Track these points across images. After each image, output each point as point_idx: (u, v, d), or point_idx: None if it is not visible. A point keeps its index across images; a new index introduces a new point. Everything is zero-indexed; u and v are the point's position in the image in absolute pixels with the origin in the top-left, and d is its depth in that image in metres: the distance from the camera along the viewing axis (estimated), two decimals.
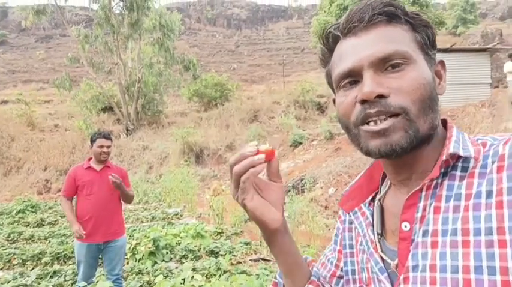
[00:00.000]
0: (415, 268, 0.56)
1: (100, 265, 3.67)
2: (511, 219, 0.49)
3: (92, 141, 3.38)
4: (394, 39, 0.58)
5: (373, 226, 0.69)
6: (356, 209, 0.73)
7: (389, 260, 0.63)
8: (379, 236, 0.67)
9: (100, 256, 3.45)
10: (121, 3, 19.19)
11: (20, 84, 34.70)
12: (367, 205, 0.72)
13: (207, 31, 61.09)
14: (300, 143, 14.61)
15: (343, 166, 9.54)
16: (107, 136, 3.41)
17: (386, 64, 0.58)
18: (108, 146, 3.37)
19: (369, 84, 0.56)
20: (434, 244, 0.55)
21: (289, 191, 8.51)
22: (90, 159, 3.44)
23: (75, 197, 3.40)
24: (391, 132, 0.56)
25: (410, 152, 0.58)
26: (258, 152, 0.62)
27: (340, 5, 18.04)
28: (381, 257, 0.65)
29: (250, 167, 0.62)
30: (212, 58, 47.78)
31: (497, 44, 16.15)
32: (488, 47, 14.91)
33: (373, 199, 0.72)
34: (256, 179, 0.67)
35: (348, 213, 0.75)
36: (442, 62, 0.65)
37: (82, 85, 21.02)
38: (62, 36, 49.97)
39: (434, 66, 0.63)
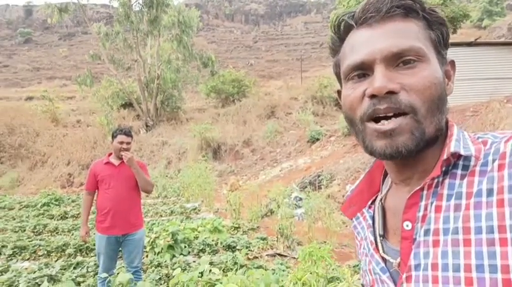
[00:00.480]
0: (417, 266, 0.57)
1: (120, 257, 3.77)
2: None
3: (113, 136, 3.45)
4: (409, 34, 0.57)
5: (373, 228, 0.69)
6: (358, 214, 0.74)
7: (391, 260, 0.64)
8: (381, 237, 0.67)
9: (120, 249, 3.55)
10: (140, 0, 19.46)
11: (44, 81, 35.77)
12: (367, 208, 0.73)
13: (224, 27, 61.21)
14: (318, 139, 14.52)
15: (361, 163, 9.43)
16: (128, 133, 3.47)
17: (398, 60, 0.56)
18: (128, 143, 3.43)
19: (381, 79, 0.55)
20: (435, 243, 0.55)
21: (306, 187, 8.49)
22: (110, 154, 3.52)
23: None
24: (397, 133, 0.56)
25: (423, 148, 0.58)
26: None
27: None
28: (382, 258, 0.66)
29: None
30: (230, 54, 47.87)
31: None
32: None
33: (373, 202, 0.72)
34: None
35: (351, 219, 0.76)
36: (452, 62, 0.64)
37: (103, 82, 21.49)
38: (84, 34, 51.11)
39: (445, 66, 0.63)
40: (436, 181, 0.58)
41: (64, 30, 55.70)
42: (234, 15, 64.78)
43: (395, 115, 0.56)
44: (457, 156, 0.57)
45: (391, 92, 0.55)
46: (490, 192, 0.52)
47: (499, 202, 0.50)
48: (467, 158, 0.56)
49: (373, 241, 0.68)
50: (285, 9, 66.97)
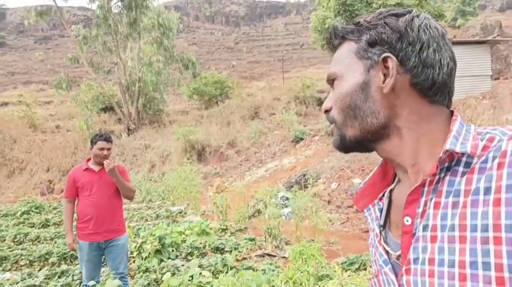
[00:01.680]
0: (415, 260, 0.59)
1: (104, 265, 3.69)
2: (508, 217, 0.49)
3: (93, 143, 3.34)
4: (336, 60, 0.70)
5: (380, 220, 0.72)
6: (370, 206, 0.75)
7: (391, 251, 0.66)
8: (382, 228, 0.70)
9: (103, 256, 3.47)
10: (119, 3, 19.17)
11: (20, 86, 34.71)
12: (378, 200, 0.74)
13: (205, 29, 60.94)
14: (302, 139, 14.64)
15: (345, 161, 9.56)
16: (108, 139, 3.37)
17: (332, 82, 0.70)
18: (109, 149, 3.34)
19: (325, 101, 0.71)
20: (433, 239, 0.57)
21: (292, 186, 8.54)
22: (88, 160, 3.43)
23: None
24: (333, 134, 0.71)
25: (359, 149, 0.69)
26: None
27: (338, 0, 17.95)
28: (385, 250, 0.68)
29: None
30: (211, 56, 47.71)
31: (497, 35, 16.10)
32: (488, 39, 14.87)
33: (384, 194, 0.74)
34: None
35: (362, 211, 0.77)
36: (385, 59, 0.62)
37: (82, 85, 21.04)
38: (61, 37, 49.93)
39: (376, 67, 0.63)
40: (437, 177, 0.58)
41: (40, 33, 54.22)
42: (214, 17, 64.57)
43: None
44: (456, 153, 0.57)
45: (328, 110, 0.71)
46: (487, 190, 0.52)
47: (496, 201, 0.51)
48: (470, 155, 0.56)
49: (379, 234, 0.70)
50: (265, 10, 67.25)
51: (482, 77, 13.48)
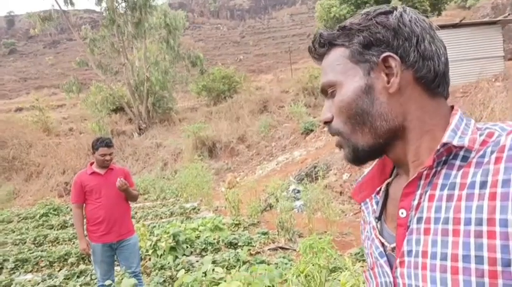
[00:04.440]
0: (409, 253, 0.59)
1: (117, 265, 3.77)
2: (503, 212, 0.49)
3: (94, 148, 3.39)
4: (327, 68, 0.68)
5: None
6: (367, 199, 0.76)
7: (386, 243, 0.67)
8: (377, 220, 0.71)
9: (115, 256, 3.56)
10: (123, 4, 19.28)
11: (33, 91, 35.31)
12: (375, 193, 0.75)
13: (210, 24, 60.83)
14: (312, 131, 14.56)
15: None
16: (109, 144, 3.41)
17: (328, 92, 0.68)
18: (111, 153, 3.41)
19: (322, 112, 0.69)
20: (426, 231, 0.57)
21: (303, 179, 8.54)
22: (92, 163, 3.49)
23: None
24: (342, 147, 0.68)
25: (374, 156, 0.67)
26: None
27: None
28: (381, 242, 0.68)
29: None
30: (218, 51, 47.66)
31: (509, 15, 15.63)
32: (499, 19, 14.45)
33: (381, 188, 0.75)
34: None
35: (360, 203, 0.78)
36: (385, 59, 0.62)
37: (92, 87, 21.31)
38: (69, 41, 50.52)
39: (377, 67, 0.63)
40: (434, 170, 0.59)
41: (48, 38, 54.96)
42: (219, 12, 64.35)
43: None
44: (454, 146, 0.57)
45: (327, 122, 0.68)
46: (483, 184, 0.52)
47: (491, 195, 0.51)
48: (468, 149, 0.56)
49: (375, 227, 0.71)
50: (270, 2, 66.68)
51: (494, 59, 13.12)
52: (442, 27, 13.03)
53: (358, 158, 0.66)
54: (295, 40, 47.22)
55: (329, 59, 0.68)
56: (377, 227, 0.71)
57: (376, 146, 0.64)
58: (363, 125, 0.64)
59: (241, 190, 8.27)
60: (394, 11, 0.63)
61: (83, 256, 5.33)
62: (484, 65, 12.56)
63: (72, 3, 19.18)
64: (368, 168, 0.78)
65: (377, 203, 0.73)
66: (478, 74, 11.96)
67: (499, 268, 0.49)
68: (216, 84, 21.64)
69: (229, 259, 4.49)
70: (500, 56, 13.41)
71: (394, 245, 0.64)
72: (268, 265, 3.91)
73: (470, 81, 11.49)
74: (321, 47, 0.69)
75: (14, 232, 7.76)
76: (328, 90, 0.68)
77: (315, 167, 9.48)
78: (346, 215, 7.14)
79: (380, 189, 0.74)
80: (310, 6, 55.00)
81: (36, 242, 6.59)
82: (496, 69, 12.61)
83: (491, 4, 23.22)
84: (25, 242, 6.58)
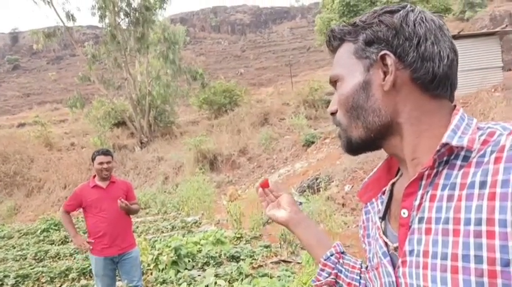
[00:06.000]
0: (411, 252, 0.60)
1: (119, 280, 3.74)
2: (502, 212, 0.49)
3: (92, 159, 3.42)
4: (336, 61, 0.71)
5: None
6: (373, 199, 0.77)
7: (389, 243, 0.68)
8: (381, 220, 0.71)
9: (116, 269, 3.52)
10: (127, 19, 19.58)
11: (35, 106, 35.64)
12: (381, 194, 0.76)
13: (211, 39, 61.58)
14: (313, 143, 14.57)
15: (357, 163, 9.47)
16: (106, 152, 3.43)
17: (336, 84, 0.71)
18: (109, 162, 3.39)
19: (331, 103, 0.73)
20: (428, 231, 0.58)
21: (305, 191, 8.50)
22: (94, 176, 3.50)
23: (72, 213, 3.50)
24: (340, 137, 0.73)
25: (366, 149, 0.70)
26: (261, 185, 1.02)
27: (342, 2, 17.95)
28: (385, 242, 0.69)
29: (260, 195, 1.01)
30: (219, 65, 48.12)
31: (507, 26, 15.80)
32: (497, 30, 14.60)
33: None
34: (274, 194, 1.00)
35: (366, 204, 0.79)
36: (382, 56, 0.63)
37: (94, 102, 21.47)
38: (72, 56, 51.14)
39: (376, 64, 0.64)
40: (435, 170, 0.59)
41: (52, 54, 55.68)
42: (220, 26, 65.22)
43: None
44: (455, 146, 0.57)
45: (334, 113, 0.72)
46: (482, 184, 0.52)
47: (491, 195, 0.51)
48: (468, 149, 0.56)
49: (380, 226, 0.71)
50: (270, 16, 67.62)
51: (493, 69, 13.22)
52: None
53: (351, 149, 0.70)
54: (295, 53, 47.68)
55: (339, 53, 0.71)
56: (381, 227, 0.71)
57: (368, 139, 0.67)
58: (357, 118, 0.66)
59: (242, 202, 8.23)
60: (401, 10, 0.64)
61: (84, 271, 5.29)
62: (484, 76, 12.64)
63: (74, 19, 19.49)
64: (374, 169, 0.79)
65: (382, 203, 0.74)
66: (478, 84, 12.02)
67: (498, 268, 0.49)
68: (217, 98, 21.79)
69: (231, 273, 4.44)
70: (499, 67, 13.51)
71: (396, 244, 0.65)
72: (270, 278, 3.87)
73: (470, 91, 11.55)
74: (334, 41, 0.72)
75: (14, 247, 7.71)
76: (335, 83, 0.72)
77: (316, 179, 9.45)
78: (348, 227, 7.08)
79: (385, 189, 0.75)
80: (310, 20, 55.74)
81: (37, 257, 6.55)
82: (495, 79, 12.68)
83: (489, 16, 23.52)
84: (26, 258, 6.53)
